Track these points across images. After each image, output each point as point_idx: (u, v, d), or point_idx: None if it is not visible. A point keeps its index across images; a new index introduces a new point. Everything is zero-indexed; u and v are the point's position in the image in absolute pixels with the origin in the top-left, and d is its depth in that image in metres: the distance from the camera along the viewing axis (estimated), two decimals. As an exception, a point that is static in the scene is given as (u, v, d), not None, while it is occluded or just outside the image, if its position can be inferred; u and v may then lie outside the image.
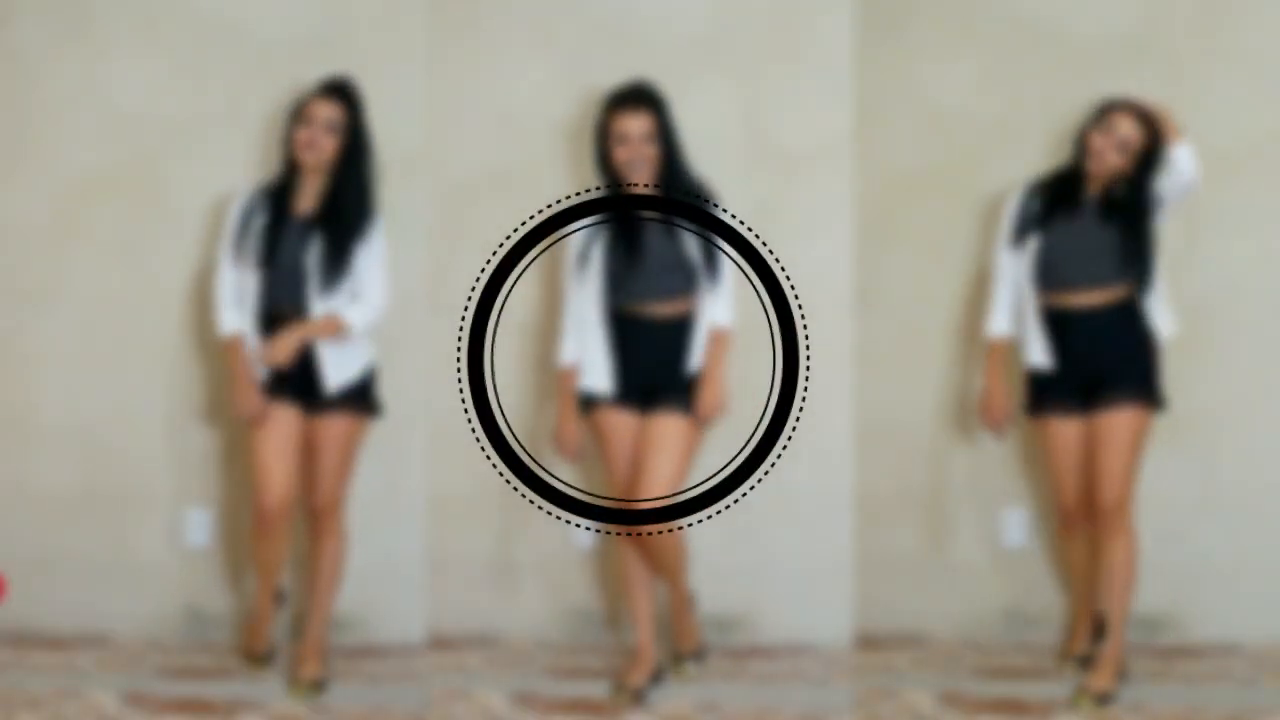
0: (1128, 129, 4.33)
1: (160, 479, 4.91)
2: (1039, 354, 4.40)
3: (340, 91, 4.42)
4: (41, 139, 4.86)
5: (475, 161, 4.87)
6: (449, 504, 4.89)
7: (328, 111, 4.39)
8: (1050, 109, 4.77)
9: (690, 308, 4.35)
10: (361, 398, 4.45)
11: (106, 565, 4.94)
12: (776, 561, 4.84)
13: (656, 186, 4.34)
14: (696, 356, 4.34)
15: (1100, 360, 4.34)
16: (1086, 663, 4.51)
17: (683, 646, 4.60)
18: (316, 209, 4.42)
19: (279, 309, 4.38)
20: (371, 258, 4.43)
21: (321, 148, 4.38)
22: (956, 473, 4.92)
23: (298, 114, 4.41)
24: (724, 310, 4.34)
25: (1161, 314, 4.35)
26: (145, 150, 4.83)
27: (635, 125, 4.30)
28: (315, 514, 4.49)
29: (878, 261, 4.83)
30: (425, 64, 4.74)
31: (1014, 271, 4.46)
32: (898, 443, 4.91)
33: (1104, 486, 4.32)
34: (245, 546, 4.88)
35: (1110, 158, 4.33)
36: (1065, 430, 4.41)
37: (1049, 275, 4.38)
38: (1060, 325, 4.37)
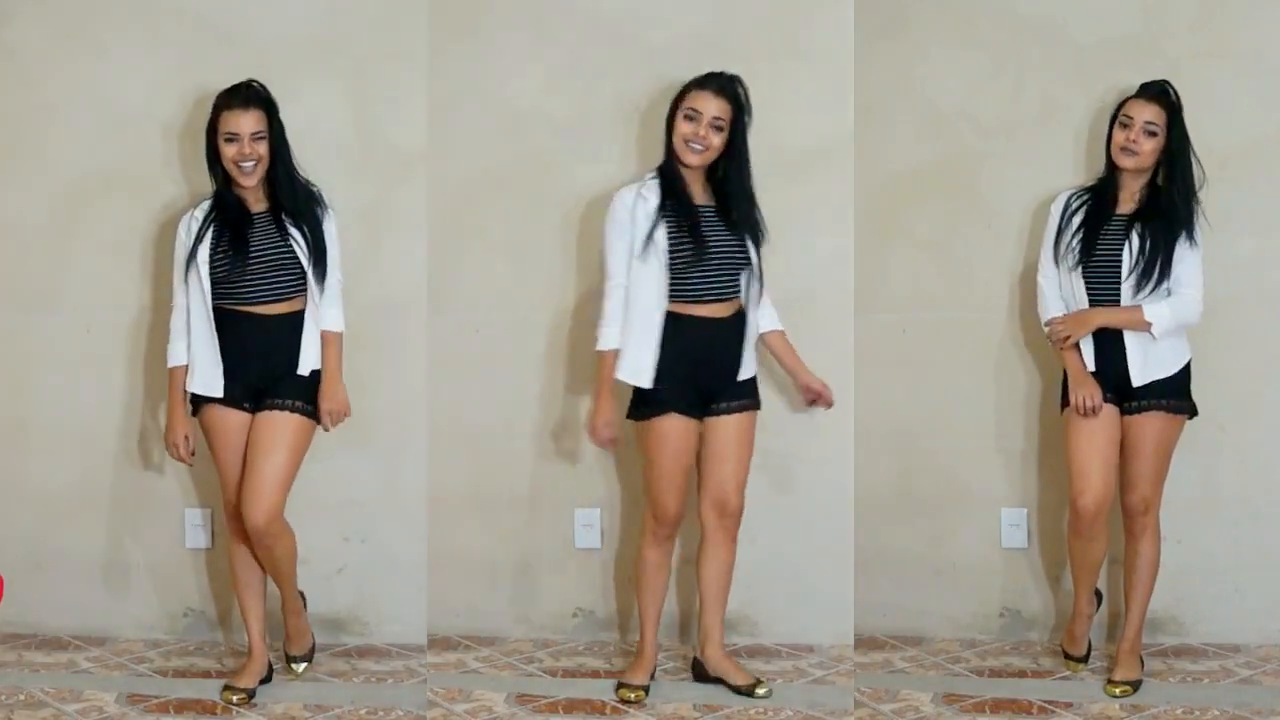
0: (1149, 113, 4.36)
1: (160, 479, 4.91)
2: (1089, 355, 4.42)
3: (255, 97, 4.37)
4: (41, 139, 4.86)
5: (475, 161, 4.87)
6: (449, 504, 4.89)
7: (251, 123, 4.34)
8: (1050, 109, 4.77)
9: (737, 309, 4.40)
10: (312, 399, 4.43)
11: (106, 565, 4.94)
12: (777, 561, 4.84)
13: (712, 177, 4.39)
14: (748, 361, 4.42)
15: (1123, 365, 4.36)
16: (1087, 660, 4.54)
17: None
18: (270, 208, 4.39)
19: (252, 305, 4.35)
20: (335, 244, 4.46)
21: (257, 157, 4.34)
22: (956, 473, 4.91)
23: (216, 127, 4.36)
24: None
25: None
26: (145, 150, 4.82)
27: (712, 107, 4.31)
28: (257, 530, 4.33)
29: (878, 261, 4.83)
30: (425, 64, 4.74)
31: (1057, 279, 4.49)
32: (898, 443, 4.90)
33: (1133, 491, 4.40)
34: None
35: (1143, 146, 4.34)
36: (1095, 416, 4.38)
37: (1088, 293, 4.40)
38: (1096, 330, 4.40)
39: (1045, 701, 4.36)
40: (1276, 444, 4.78)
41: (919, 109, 4.84)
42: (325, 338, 4.44)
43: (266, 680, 4.46)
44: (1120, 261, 4.37)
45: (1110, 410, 4.39)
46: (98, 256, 4.86)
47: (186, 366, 4.40)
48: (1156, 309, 4.33)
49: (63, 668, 4.68)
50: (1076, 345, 4.42)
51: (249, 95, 4.37)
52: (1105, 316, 4.36)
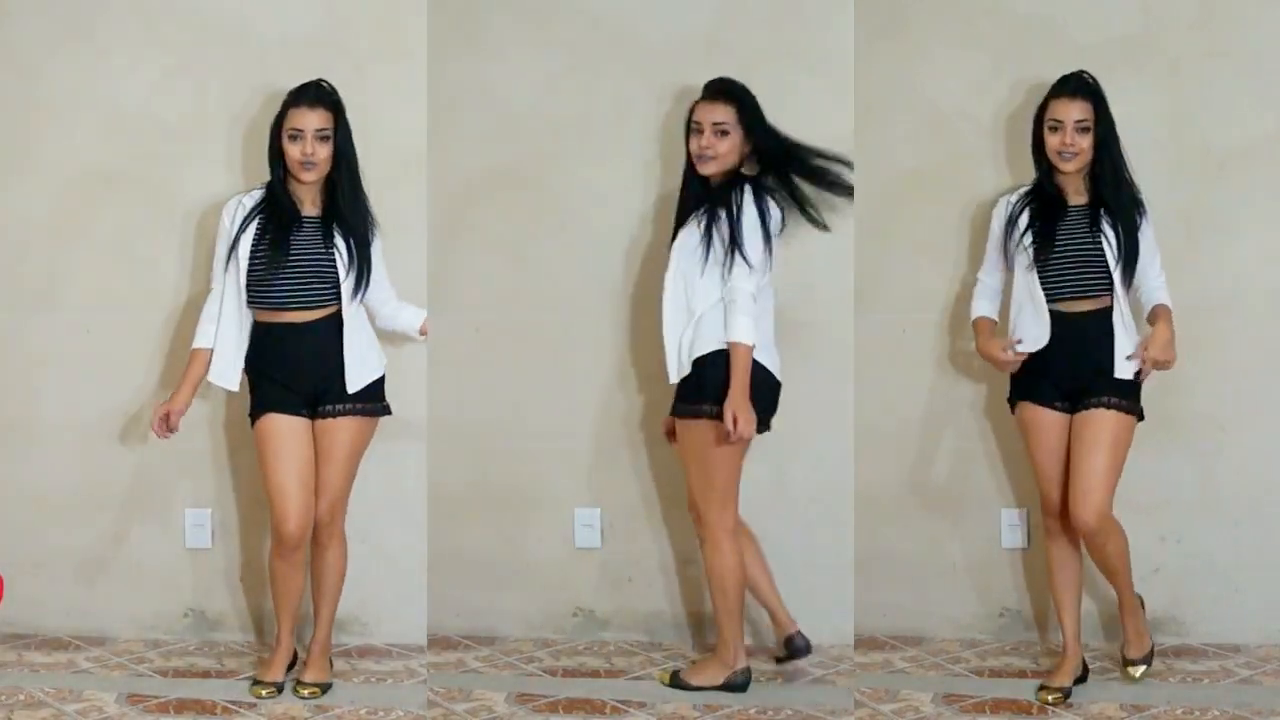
0: (1076, 111, 4.32)
1: (161, 479, 4.91)
2: (1031, 343, 4.36)
3: (323, 97, 4.37)
4: (41, 139, 4.86)
5: (475, 161, 4.87)
6: (449, 504, 4.89)
7: (317, 121, 4.34)
8: (1050, 109, 4.76)
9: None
10: (373, 400, 4.44)
11: (106, 565, 4.94)
12: (777, 561, 4.82)
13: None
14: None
15: (1085, 364, 4.33)
16: (1067, 696, 4.37)
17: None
18: (323, 213, 4.40)
19: (285, 311, 4.35)
20: (379, 256, 4.47)
21: (318, 159, 4.34)
22: (956, 473, 4.91)
23: (281, 123, 4.36)
24: None
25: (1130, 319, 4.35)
26: (145, 150, 4.83)
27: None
28: (321, 520, 4.42)
29: (877, 261, 4.82)
30: (425, 64, 4.74)
31: (997, 283, 4.49)
32: (898, 443, 4.90)
33: (1086, 502, 4.27)
34: (246, 547, 4.89)
35: (1079, 144, 4.30)
36: (1045, 419, 4.37)
37: (1049, 288, 4.35)
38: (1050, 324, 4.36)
39: (1044, 701, 4.35)
40: (1276, 444, 4.78)
41: (919, 109, 4.83)
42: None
43: (290, 668, 4.49)
44: (1086, 253, 4.30)
45: (1059, 416, 4.37)
46: (97, 256, 4.86)
47: (210, 352, 4.40)
48: (1166, 295, 4.35)
49: (63, 668, 4.68)
50: (986, 318, 4.51)
51: (318, 94, 4.37)
52: (1170, 326, 4.31)
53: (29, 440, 4.92)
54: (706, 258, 4.31)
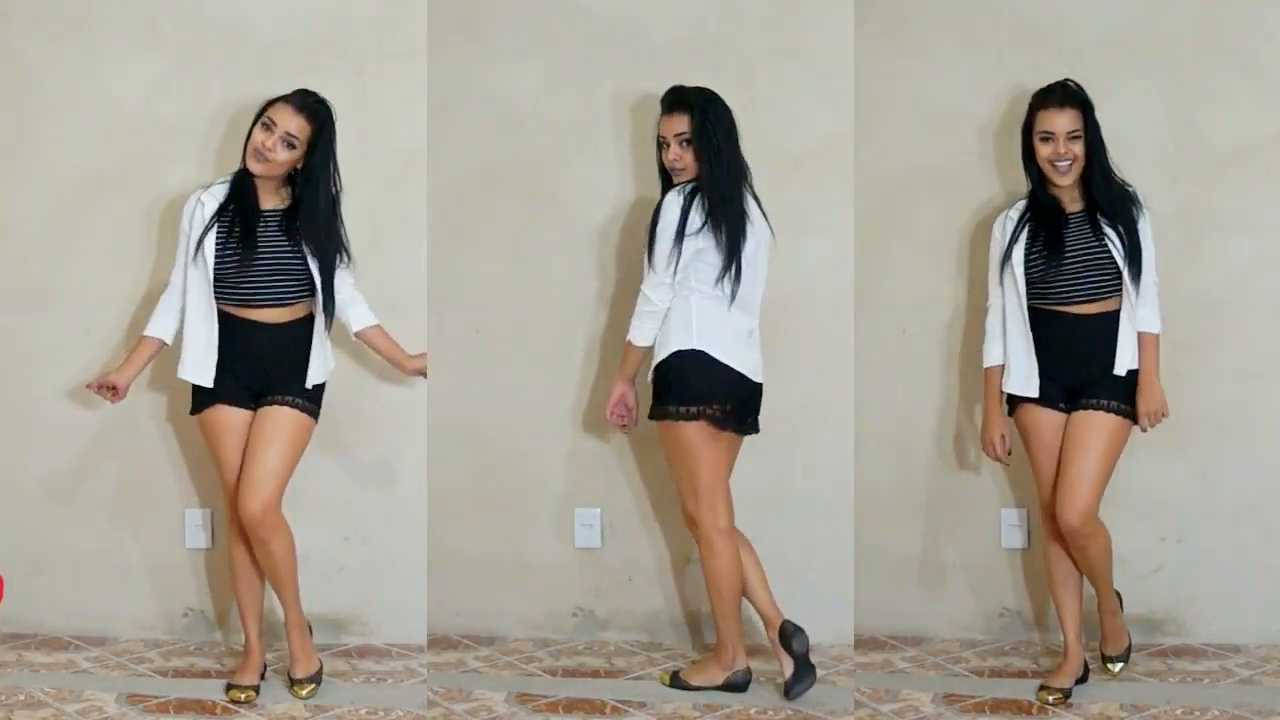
0: (1066, 120, 4.31)
1: (160, 479, 4.91)
2: (1022, 382, 4.37)
3: (311, 106, 4.33)
4: (41, 139, 4.86)
5: (475, 161, 4.87)
6: (449, 504, 4.89)
7: (293, 124, 4.30)
8: (1050, 109, 4.77)
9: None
10: (315, 401, 4.42)
11: (106, 565, 4.94)
12: (777, 561, 4.83)
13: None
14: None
15: (1089, 365, 4.32)
16: (1068, 696, 4.37)
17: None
18: (287, 208, 4.37)
19: (253, 308, 4.33)
20: (345, 274, 4.45)
21: (275, 158, 4.29)
22: (955, 473, 4.91)
23: (261, 113, 4.33)
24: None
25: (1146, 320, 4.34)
26: (145, 150, 4.83)
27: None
28: (253, 517, 4.30)
29: (878, 261, 4.83)
30: (425, 64, 4.74)
31: (1003, 302, 4.44)
32: (898, 443, 4.90)
33: (1073, 503, 4.27)
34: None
35: (1073, 153, 4.30)
36: (1045, 420, 4.36)
37: (1044, 296, 4.34)
38: (1050, 327, 4.34)
39: (1045, 702, 4.36)
40: (1276, 444, 4.78)
41: (919, 109, 4.84)
42: (371, 335, 4.48)
43: (261, 679, 4.46)
44: (1093, 258, 4.29)
45: (1060, 417, 4.35)
46: (97, 257, 4.87)
47: (160, 343, 4.42)
48: (1153, 320, 4.33)
49: (63, 668, 4.68)
50: (999, 367, 4.42)
51: (304, 100, 4.32)
52: (1153, 375, 4.32)
53: (28, 440, 4.93)
54: None
